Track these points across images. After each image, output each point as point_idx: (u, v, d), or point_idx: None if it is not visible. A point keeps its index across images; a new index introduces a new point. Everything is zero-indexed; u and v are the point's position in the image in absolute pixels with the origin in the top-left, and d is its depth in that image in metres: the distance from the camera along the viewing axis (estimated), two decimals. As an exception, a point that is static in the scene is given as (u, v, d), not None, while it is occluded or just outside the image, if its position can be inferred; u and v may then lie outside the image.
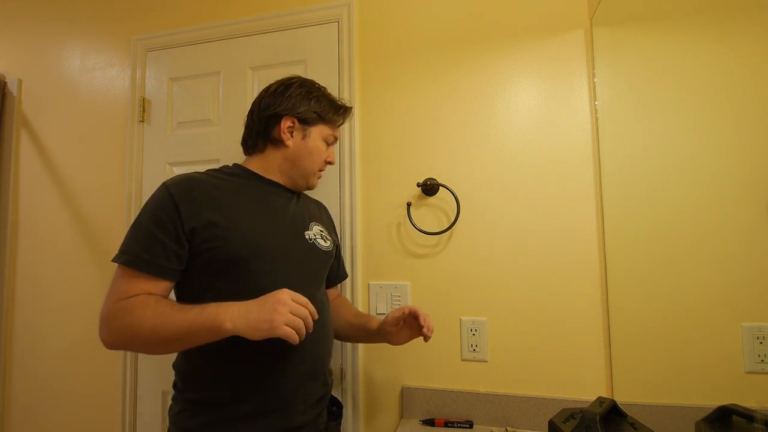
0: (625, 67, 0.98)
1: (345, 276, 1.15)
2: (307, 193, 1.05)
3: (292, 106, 0.90)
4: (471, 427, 1.09)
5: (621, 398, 0.96)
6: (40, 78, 1.61)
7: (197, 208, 0.77)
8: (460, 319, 1.16)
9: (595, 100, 1.11)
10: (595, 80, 1.12)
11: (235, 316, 0.68)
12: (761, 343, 0.56)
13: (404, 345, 1.18)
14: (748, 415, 0.57)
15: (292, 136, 0.90)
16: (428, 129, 1.23)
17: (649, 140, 0.86)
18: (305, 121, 0.91)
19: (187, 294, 0.80)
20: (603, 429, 0.76)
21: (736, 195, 0.59)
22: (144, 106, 1.47)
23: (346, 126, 1.27)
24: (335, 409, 1.00)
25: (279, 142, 0.91)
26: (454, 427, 1.09)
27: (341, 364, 1.22)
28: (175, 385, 0.84)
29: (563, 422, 0.83)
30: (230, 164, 0.94)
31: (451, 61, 1.23)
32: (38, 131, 1.60)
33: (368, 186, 1.27)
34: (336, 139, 0.98)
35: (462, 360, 1.15)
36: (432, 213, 1.21)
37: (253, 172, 0.91)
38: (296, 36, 1.34)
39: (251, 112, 0.95)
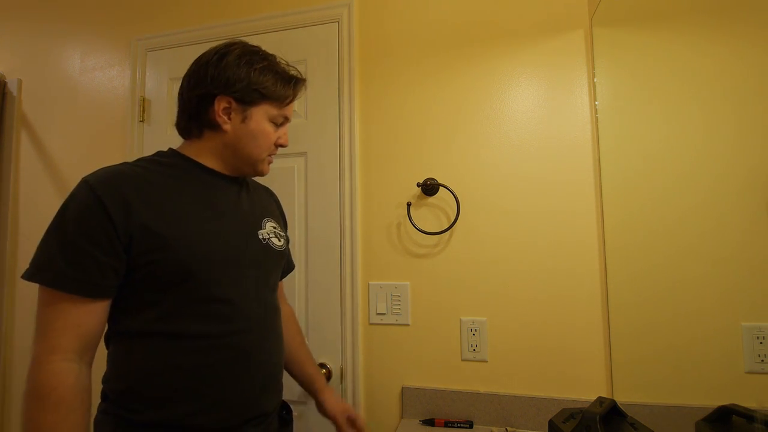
0: (625, 67, 0.98)
1: (293, 267, 1.04)
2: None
3: (227, 81, 0.74)
4: (471, 427, 1.09)
5: (621, 398, 0.97)
6: (40, 78, 1.61)
7: (131, 212, 0.66)
8: (460, 319, 1.16)
9: (595, 100, 1.11)
10: (595, 80, 1.12)
11: None
12: (761, 343, 0.56)
13: (404, 345, 1.20)
14: (748, 415, 0.57)
15: (229, 119, 0.76)
16: (428, 129, 1.23)
17: (649, 140, 0.86)
18: (244, 101, 0.75)
19: (125, 308, 0.70)
20: (603, 429, 0.76)
21: (737, 194, 0.59)
22: (144, 106, 1.47)
23: (346, 126, 1.27)
24: (285, 414, 0.92)
25: (216, 126, 0.76)
26: (454, 427, 1.09)
27: (341, 364, 1.22)
28: (104, 397, 0.72)
29: (563, 422, 0.83)
30: (165, 149, 0.81)
31: (451, 61, 1.23)
32: (38, 131, 1.60)
33: (368, 186, 1.27)
34: (287, 119, 0.82)
35: (462, 360, 1.16)
36: (432, 213, 1.21)
37: (193, 160, 0.78)
38: (296, 36, 1.34)
39: (181, 89, 0.79)
